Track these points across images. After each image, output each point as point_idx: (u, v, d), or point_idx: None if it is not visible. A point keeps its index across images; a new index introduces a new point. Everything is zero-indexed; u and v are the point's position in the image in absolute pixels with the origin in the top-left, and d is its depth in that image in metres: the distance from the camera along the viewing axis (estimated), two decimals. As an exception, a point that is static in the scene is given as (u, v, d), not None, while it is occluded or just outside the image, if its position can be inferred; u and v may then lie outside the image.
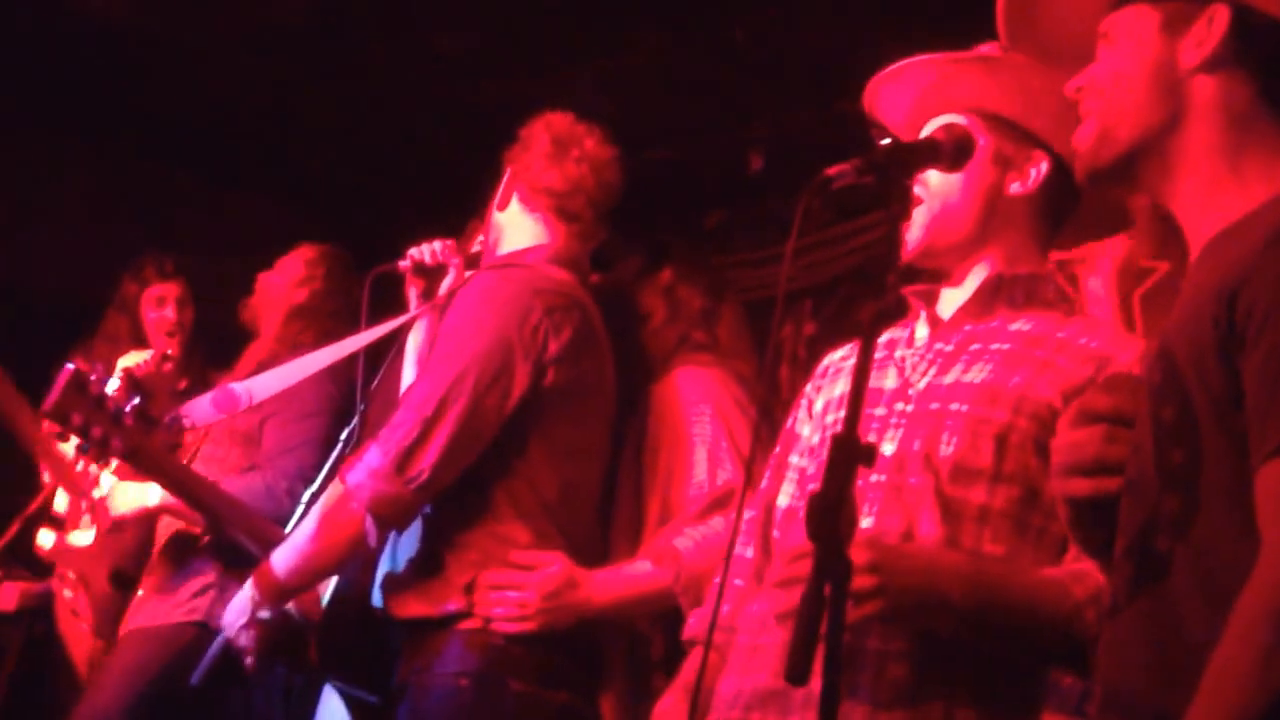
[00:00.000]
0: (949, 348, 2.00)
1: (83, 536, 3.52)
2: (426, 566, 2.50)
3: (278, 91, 4.52)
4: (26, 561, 3.69)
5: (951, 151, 1.77)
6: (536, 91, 2.87)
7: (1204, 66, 1.45)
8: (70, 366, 2.46)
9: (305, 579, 2.51)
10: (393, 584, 2.55)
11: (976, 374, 1.94)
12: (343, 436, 2.81)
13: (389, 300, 2.93)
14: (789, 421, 2.21)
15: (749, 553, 2.15)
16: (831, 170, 1.85)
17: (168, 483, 2.61)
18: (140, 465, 2.55)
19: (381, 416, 3.00)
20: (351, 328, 2.99)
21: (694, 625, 2.20)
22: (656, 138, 4.34)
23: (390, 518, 2.43)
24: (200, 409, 2.75)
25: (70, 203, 4.81)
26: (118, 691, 3.14)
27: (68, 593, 3.57)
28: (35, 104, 4.61)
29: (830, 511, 1.47)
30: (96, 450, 2.45)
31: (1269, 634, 1.21)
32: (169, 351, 3.77)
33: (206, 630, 3.10)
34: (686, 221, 4.71)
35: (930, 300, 2.09)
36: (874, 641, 1.84)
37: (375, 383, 2.86)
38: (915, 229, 2.03)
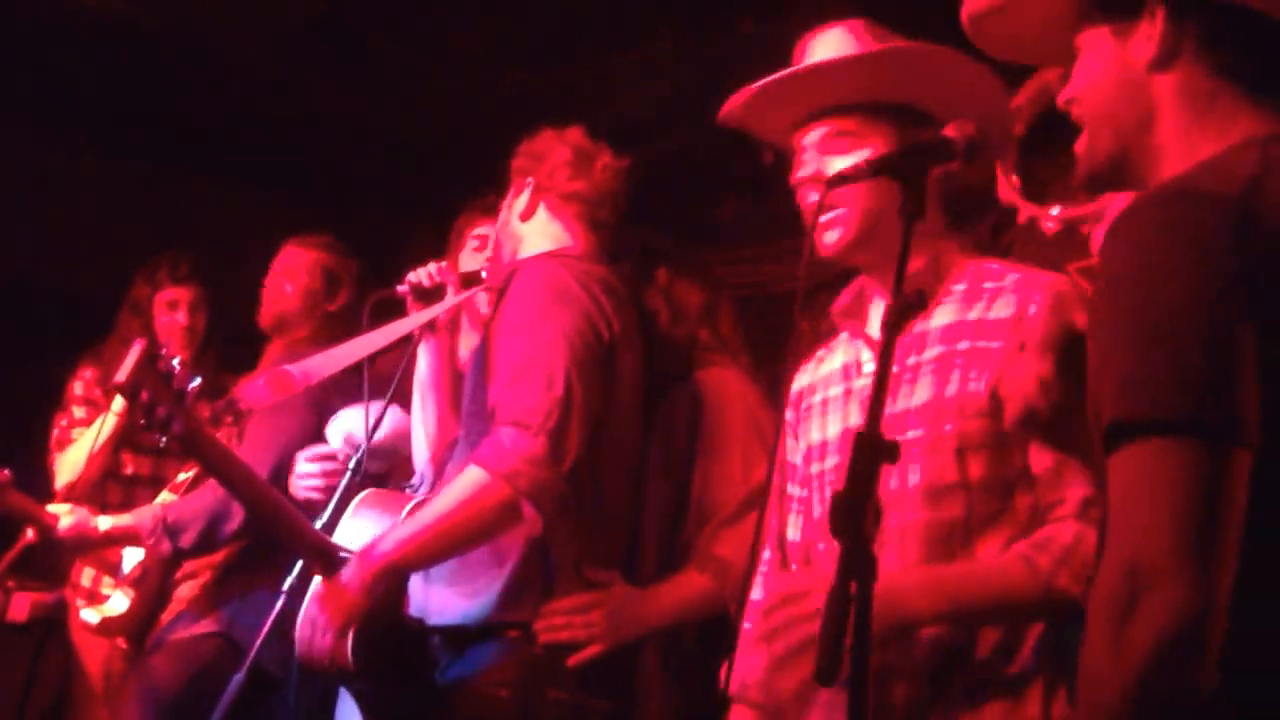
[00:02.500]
0: (894, 369, 2.00)
1: (120, 602, 3.49)
2: (464, 573, 2.49)
3: (290, 90, 4.53)
4: (38, 572, 3.68)
5: (965, 149, 1.79)
6: (550, 86, 2.88)
7: (1157, 62, 1.49)
8: (142, 341, 2.41)
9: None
10: (429, 590, 2.54)
11: (921, 393, 1.96)
12: (350, 466, 2.79)
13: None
14: (781, 451, 2.22)
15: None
16: (846, 169, 1.87)
17: (215, 469, 2.55)
18: (193, 450, 2.50)
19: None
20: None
21: (728, 682, 2.14)
22: (668, 129, 4.35)
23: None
24: (254, 391, 2.77)
25: (80, 202, 4.81)
26: (142, 711, 3.12)
27: (81, 602, 3.56)
28: (45, 102, 4.60)
29: (854, 509, 1.50)
30: (158, 430, 2.39)
31: (1110, 630, 1.26)
32: (181, 356, 3.77)
33: (229, 641, 3.12)
34: (701, 214, 4.73)
35: (859, 315, 2.12)
36: (899, 689, 1.88)
37: (382, 410, 2.85)
38: (834, 231, 2.06)
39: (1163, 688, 1.24)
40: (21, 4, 4.13)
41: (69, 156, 4.79)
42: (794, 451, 2.19)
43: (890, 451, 1.53)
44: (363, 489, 2.74)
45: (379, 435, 2.98)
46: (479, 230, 3.08)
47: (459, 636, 2.48)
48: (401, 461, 3.14)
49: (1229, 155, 1.42)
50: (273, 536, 2.66)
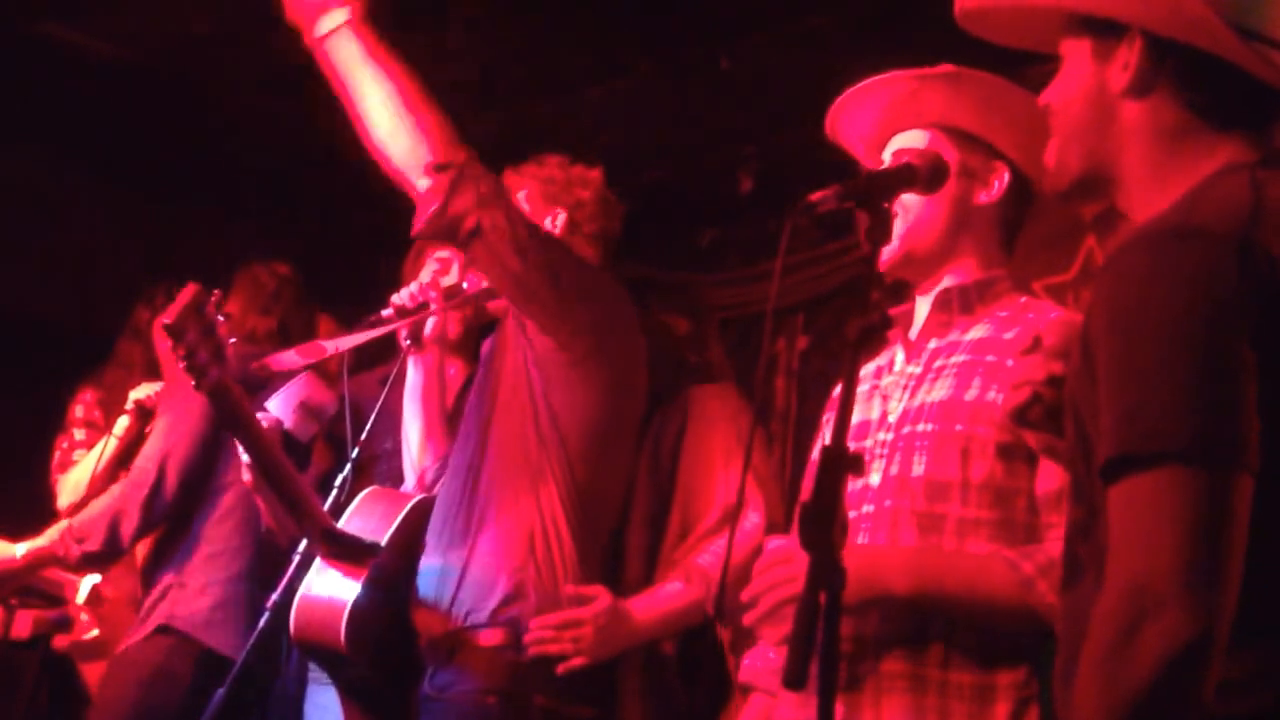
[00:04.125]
0: (918, 369, 2.10)
1: (91, 629, 3.58)
2: (456, 580, 2.54)
3: (283, 124, 4.59)
4: (40, 589, 3.68)
5: (927, 175, 1.86)
6: (534, 119, 2.95)
7: (1130, 90, 1.52)
8: (193, 285, 2.42)
9: None
10: (421, 597, 2.58)
11: (940, 392, 2.03)
12: (337, 482, 2.82)
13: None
14: (813, 452, 2.27)
15: None
16: (814, 196, 1.93)
17: (238, 429, 2.56)
18: (221, 405, 2.50)
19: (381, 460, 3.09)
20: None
21: (742, 672, 2.25)
22: (649, 160, 4.43)
23: None
24: (286, 357, 2.83)
25: (78, 231, 4.85)
26: None
27: (84, 616, 3.61)
28: (43, 134, 4.65)
29: (822, 520, 1.54)
30: (195, 374, 2.39)
31: (1111, 654, 1.28)
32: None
33: (173, 634, 3.14)
34: (681, 241, 4.81)
35: (906, 323, 2.18)
36: (866, 665, 1.94)
37: (368, 427, 2.89)
38: (892, 241, 2.11)
39: (1164, 707, 1.25)
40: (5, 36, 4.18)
41: (70, 188, 4.83)
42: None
43: (855, 464, 1.58)
44: (352, 495, 2.78)
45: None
46: (439, 254, 3.16)
47: (444, 642, 2.51)
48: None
49: (1218, 184, 1.44)
50: (280, 504, 2.67)
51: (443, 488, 2.69)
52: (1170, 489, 1.29)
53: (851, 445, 1.59)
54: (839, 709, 1.82)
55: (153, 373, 3.87)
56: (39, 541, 3.28)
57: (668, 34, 3.99)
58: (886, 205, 1.81)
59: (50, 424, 3.98)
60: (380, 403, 2.92)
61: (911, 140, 2.15)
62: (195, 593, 3.21)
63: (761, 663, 2.20)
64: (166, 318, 2.36)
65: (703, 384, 3.02)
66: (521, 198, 2.82)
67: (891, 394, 2.11)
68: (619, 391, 2.62)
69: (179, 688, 3.05)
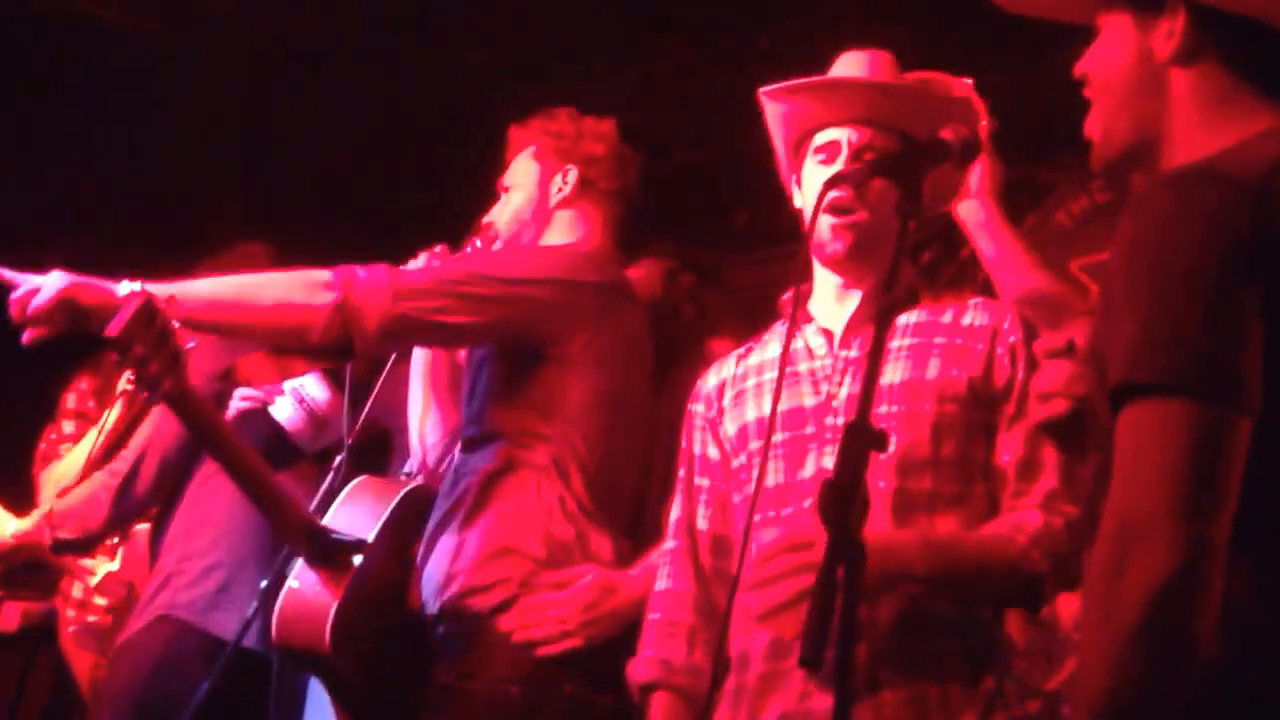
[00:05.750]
0: (853, 354, 2.12)
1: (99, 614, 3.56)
2: (471, 557, 2.49)
3: (297, 110, 4.58)
4: (28, 582, 3.64)
5: (960, 151, 1.84)
6: (566, 100, 2.92)
7: (1176, 58, 1.53)
8: (141, 294, 2.30)
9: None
10: (429, 579, 2.54)
11: (894, 374, 2.09)
12: (334, 465, 2.80)
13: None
14: (684, 443, 2.30)
15: (685, 585, 2.20)
16: (845, 170, 1.92)
17: (204, 435, 2.50)
18: (183, 412, 2.43)
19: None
20: None
21: (643, 670, 2.20)
22: (684, 143, 4.41)
23: None
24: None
25: (69, 219, 4.76)
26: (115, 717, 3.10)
27: (70, 612, 3.59)
28: (35, 119, 4.58)
29: (843, 497, 1.53)
30: (147, 387, 2.31)
31: (1104, 588, 1.29)
32: None
33: (174, 621, 3.10)
34: (715, 223, 4.79)
35: (801, 309, 2.20)
36: (862, 648, 1.92)
37: (365, 407, 2.87)
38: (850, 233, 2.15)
39: (1151, 643, 1.26)
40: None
41: (58, 175, 4.74)
42: (706, 444, 2.26)
43: (880, 441, 1.56)
44: (347, 480, 2.75)
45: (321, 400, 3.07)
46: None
47: (465, 628, 2.46)
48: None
49: (1252, 141, 1.46)
50: (259, 507, 2.63)
51: (451, 462, 2.66)
52: (1165, 420, 1.31)
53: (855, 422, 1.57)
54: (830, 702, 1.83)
55: None
56: (25, 524, 3.27)
57: (704, 14, 3.97)
58: (920, 181, 1.79)
59: (41, 410, 3.91)
60: (380, 383, 2.89)
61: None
62: (196, 579, 3.15)
63: (676, 658, 2.16)
64: (110, 330, 2.24)
65: (713, 339, 2.95)
66: (529, 154, 2.79)
67: (829, 379, 2.12)
68: (611, 381, 2.57)
69: (183, 676, 2.96)
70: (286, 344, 2.50)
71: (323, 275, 2.40)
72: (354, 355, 2.46)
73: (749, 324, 3.12)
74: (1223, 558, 1.28)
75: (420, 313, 2.40)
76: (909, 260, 2.18)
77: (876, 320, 1.67)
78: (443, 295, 2.42)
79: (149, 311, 2.27)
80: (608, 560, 2.51)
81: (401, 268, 2.46)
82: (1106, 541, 1.31)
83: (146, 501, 3.27)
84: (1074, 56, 1.66)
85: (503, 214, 2.81)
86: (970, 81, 2.28)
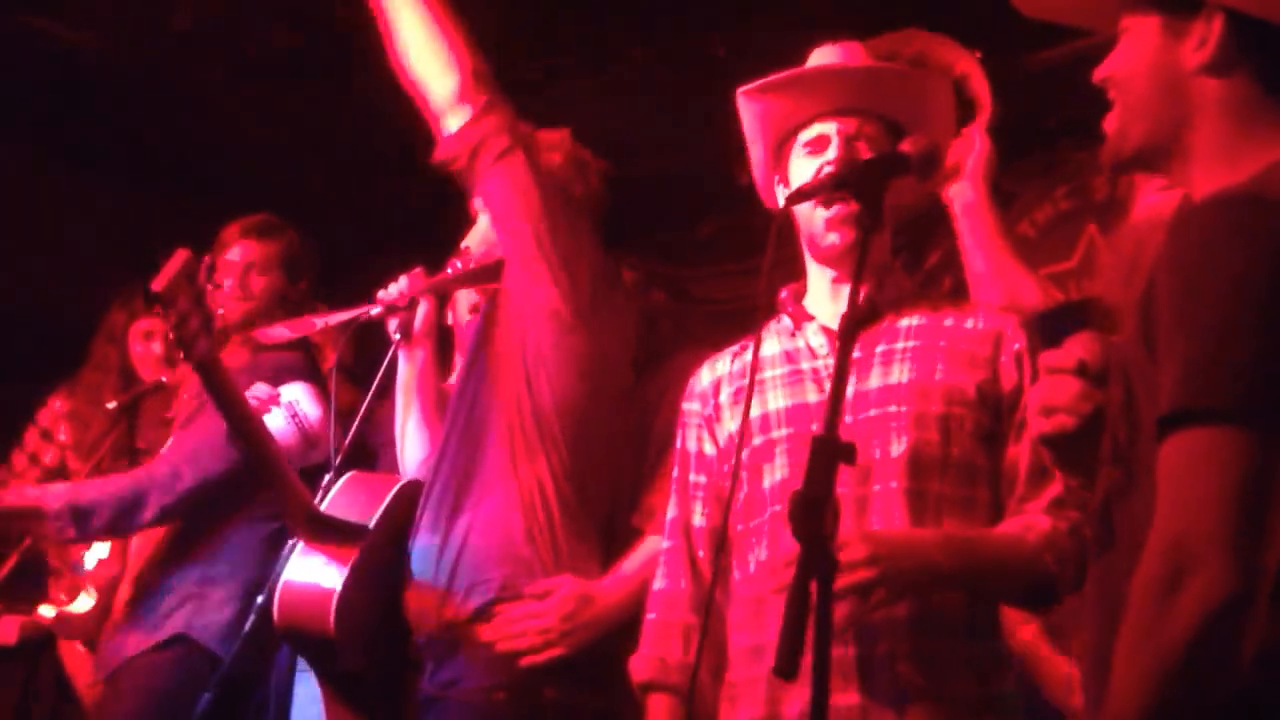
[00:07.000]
0: (856, 354, 2.10)
1: (84, 602, 3.50)
2: (452, 560, 2.50)
3: (264, 122, 4.57)
4: (28, 594, 3.63)
5: (920, 163, 1.85)
6: (525, 109, 2.92)
7: (1206, 68, 1.50)
8: (185, 252, 2.34)
9: None
10: (416, 579, 2.54)
11: (900, 375, 2.09)
12: (323, 485, 2.76)
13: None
14: (679, 441, 2.31)
15: (681, 584, 2.22)
16: (806, 185, 1.93)
17: (224, 403, 2.48)
18: (208, 377, 2.43)
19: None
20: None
21: (641, 669, 2.22)
22: (646, 152, 4.41)
23: None
24: (276, 330, 2.86)
25: (57, 227, 4.78)
26: None
27: (90, 587, 3.54)
28: (27, 133, 4.61)
29: (814, 510, 1.55)
30: (185, 345, 2.32)
31: (1152, 607, 1.29)
32: (163, 379, 3.70)
33: (190, 644, 3.06)
34: (680, 235, 4.80)
35: (797, 309, 2.22)
36: (882, 646, 1.95)
37: (356, 424, 2.84)
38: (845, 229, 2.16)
39: (1200, 666, 1.26)
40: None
41: (49, 184, 4.79)
42: (703, 441, 2.27)
43: (847, 453, 1.58)
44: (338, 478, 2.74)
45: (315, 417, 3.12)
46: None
47: (449, 635, 2.46)
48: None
49: None
50: (266, 482, 2.63)
51: (435, 467, 2.65)
52: (1220, 447, 1.30)
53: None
54: (855, 698, 1.91)
55: (128, 374, 3.78)
56: (30, 492, 3.17)
57: (662, 21, 3.97)
58: (880, 194, 1.81)
59: (18, 419, 3.88)
60: (369, 398, 2.89)
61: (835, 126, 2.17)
62: (217, 605, 3.10)
63: (671, 657, 2.17)
64: (157, 284, 2.28)
65: (684, 351, 2.97)
66: None
67: (832, 378, 2.09)
68: (600, 368, 2.58)
69: (194, 701, 2.83)
70: (431, 71, 2.50)
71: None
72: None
73: (717, 336, 3.14)
74: (1269, 587, 1.27)
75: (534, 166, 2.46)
76: (902, 267, 2.23)
77: (840, 334, 1.69)
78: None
79: (191, 269, 2.33)
80: (585, 569, 2.52)
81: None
82: (1156, 559, 1.30)
83: (181, 511, 3.14)
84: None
85: (475, 238, 2.84)
86: (977, 54, 2.28)
